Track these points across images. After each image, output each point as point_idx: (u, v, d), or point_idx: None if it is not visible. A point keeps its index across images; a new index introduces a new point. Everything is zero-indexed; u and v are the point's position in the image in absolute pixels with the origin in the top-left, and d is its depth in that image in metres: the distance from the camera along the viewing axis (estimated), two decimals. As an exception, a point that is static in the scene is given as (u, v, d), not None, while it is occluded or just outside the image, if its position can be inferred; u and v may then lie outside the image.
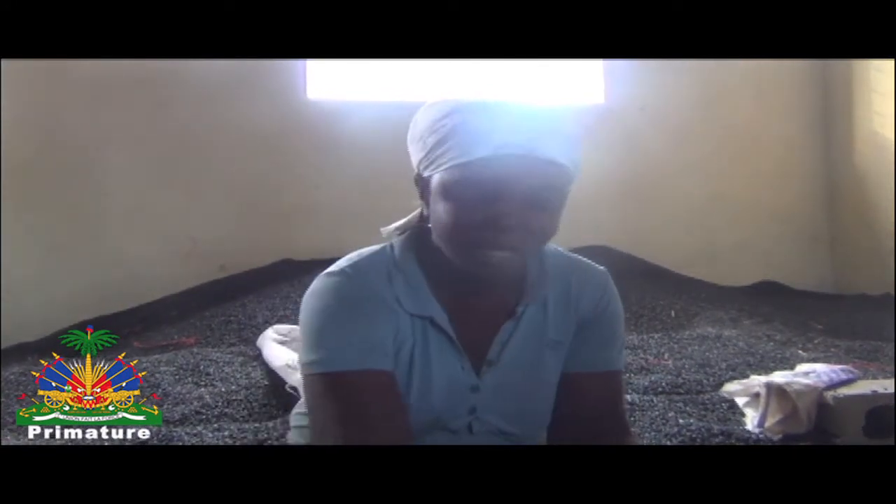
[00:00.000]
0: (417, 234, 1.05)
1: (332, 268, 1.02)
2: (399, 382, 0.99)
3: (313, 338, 0.97)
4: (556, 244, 1.09)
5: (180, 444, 1.84)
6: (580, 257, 1.13)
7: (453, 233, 0.93)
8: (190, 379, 2.46)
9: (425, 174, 0.97)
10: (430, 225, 0.98)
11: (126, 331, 3.23)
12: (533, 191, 0.91)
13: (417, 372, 1.01)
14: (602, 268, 1.13)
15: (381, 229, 1.09)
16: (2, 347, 3.33)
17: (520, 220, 0.91)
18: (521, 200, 0.91)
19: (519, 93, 0.95)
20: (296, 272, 3.66)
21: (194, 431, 1.94)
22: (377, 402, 0.95)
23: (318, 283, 1.01)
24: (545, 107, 0.94)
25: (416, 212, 1.08)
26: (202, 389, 2.36)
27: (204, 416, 2.11)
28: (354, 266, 1.01)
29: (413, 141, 0.99)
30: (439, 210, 0.94)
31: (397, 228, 1.09)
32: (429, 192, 0.97)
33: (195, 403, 2.20)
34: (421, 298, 1.01)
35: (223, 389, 2.32)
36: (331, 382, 0.95)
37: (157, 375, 2.43)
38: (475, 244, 0.92)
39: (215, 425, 2.02)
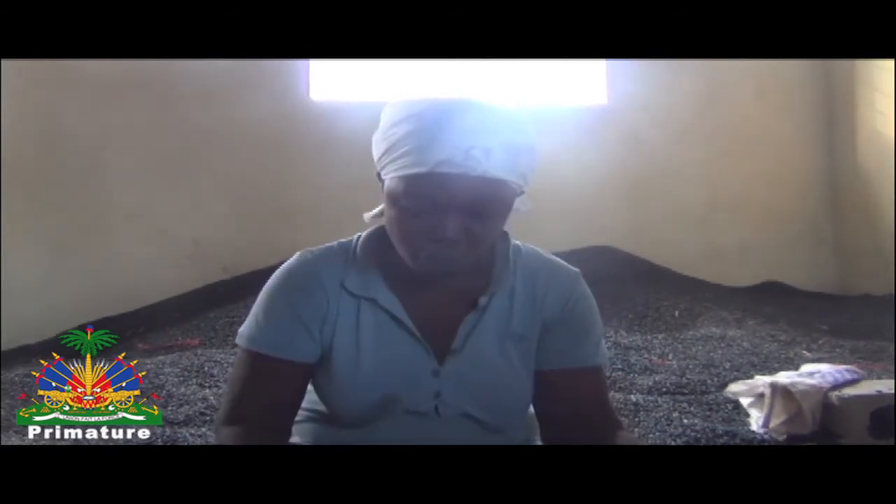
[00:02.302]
0: (380, 226, 1.12)
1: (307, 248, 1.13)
2: (345, 360, 1.06)
3: (253, 310, 1.08)
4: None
5: (184, 444, 1.84)
6: (555, 258, 1.15)
7: (397, 237, 1.01)
8: (194, 380, 2.46)
9: (381, 175, 1.03)
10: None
11: (130, 332, 3.24)
12: (469, 204, 0.95)
13: (365, 350, 1.06)
14: (575, 269, 1.15)
15: (364, 215, 1.14)
16: (4, 349, 3.33)
17: (456, 232, 0.96)
18: (456, 213, 0.96)
19: (478, 93, 0.98)
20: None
21: (199, 433, 1.94)
22: (270, 388, 1.05)
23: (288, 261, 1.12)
24: (497, 114, 0.96)
25: None
26: (206, 391, 2.36)
27: (208, 417, 2.11)
28: (320, 250, 1.12)
29: (374, 139, 1.04)
30: (388, 213, 1.02)
31: (375, 216, 1.14)
32: (383, 193, 1.04)
33: (199, 404, 2.20)
34: (367, 282, 1.07)
35: (227, 391, 2.32)
36: (243, 356, 1.07)
37: (162, 377, 2.43)
38: (417, 250, 0.99)
39: (218, 426, 2.02)
